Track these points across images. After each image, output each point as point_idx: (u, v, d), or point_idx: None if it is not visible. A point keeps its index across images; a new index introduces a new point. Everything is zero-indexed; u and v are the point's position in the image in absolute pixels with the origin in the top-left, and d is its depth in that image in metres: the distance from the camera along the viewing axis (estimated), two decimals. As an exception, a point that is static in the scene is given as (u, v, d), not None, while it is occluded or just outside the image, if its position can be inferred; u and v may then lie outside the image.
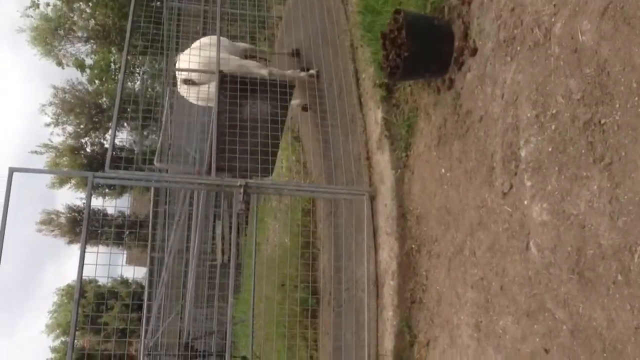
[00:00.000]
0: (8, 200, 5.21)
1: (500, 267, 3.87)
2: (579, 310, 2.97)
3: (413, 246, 5.48)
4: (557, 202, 3.23)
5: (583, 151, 3.06)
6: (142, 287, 16.19)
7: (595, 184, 2.93)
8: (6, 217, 5.08)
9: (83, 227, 5.20)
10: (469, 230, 4.39)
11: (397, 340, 5.62)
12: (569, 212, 3.12)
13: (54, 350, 21.78)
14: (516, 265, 3.65)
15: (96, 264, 5.37)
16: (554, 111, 3.34)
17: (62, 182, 22.64)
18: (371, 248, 6.28)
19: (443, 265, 4.84)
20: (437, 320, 4.90)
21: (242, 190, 6.00)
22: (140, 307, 11.01)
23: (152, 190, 9.13)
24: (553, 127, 3.33)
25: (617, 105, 2.85)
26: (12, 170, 5.28)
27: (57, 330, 22.09)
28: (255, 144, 7.00)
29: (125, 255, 19.33)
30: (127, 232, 18.57)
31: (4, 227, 4.99)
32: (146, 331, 7.88)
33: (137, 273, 20.52)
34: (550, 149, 3.34)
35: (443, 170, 4.95)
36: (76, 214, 22.52)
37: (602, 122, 2.94)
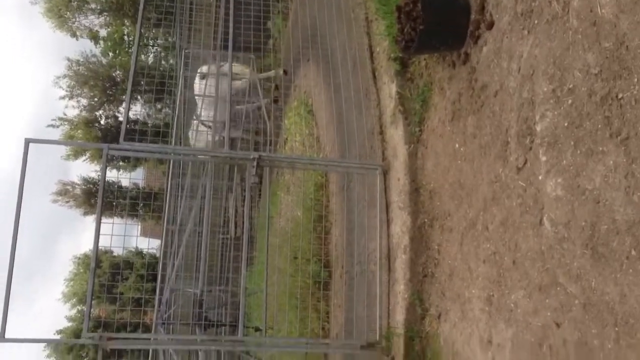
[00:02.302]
0: (25, 170, 5.28)
1: (513, 241, 3.88)
2: (591, 284, 2.98)
3: (425, 220, 5.49)
4: (572, 177, 3.22)
5: (599, 126, 3.03)
6: (157, 258, 16.39)
7: (611, 159, 2.91)
8: (23, 186, 5.15)
9: (99, 197, 5.25)
10: (482, 205, 4.39)
11: (409, 313, 5.66)
12: (584, 187, 3.11)
13: (70, 319, 22.18)
14: (529, 240, 3.65)
15: (112, 234, 5.44)
16: (571, 85, 3.31)
17: (76, 154, 22.80)
18: (383, 222, 6.30)
19: (455, 239, 4.85)
20: (448, 293, 4.93)
21: (255, 163, 6.02)
22: (154, 278, 11.15)
23: (170, 162, 9.17)
24: (570, 101, 3.30)
25: (636, 80, 2.82)
26: (28, 141, 5.34)
27: (74, 299, 22.45)
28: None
29: (139, 227, 19.52)
30: (142, 204, 18.72)
31: (21, 196, 5.06)
32: (160, 301, 7.99)
33: (151, 245, 20.70)
34: (566, 124, 3.31)
35: (457, 145, 4.93)
36: (91, 186, 22.70)
37: (620, 96, 2.91)
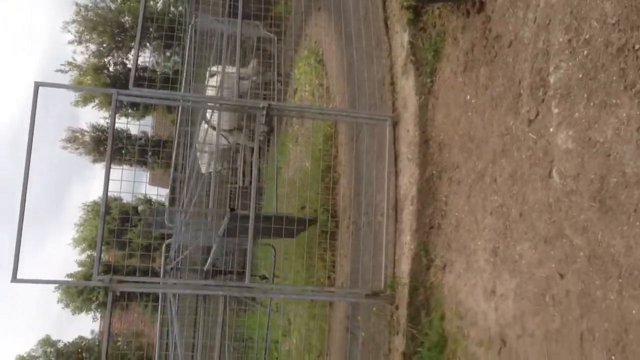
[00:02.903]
0: (34, 114, 5.29)
1: (520, 194, 3.88)
2: (597, 237, 2.99)
3: (434, 172, 5.48)
4: (584, 129, 3.19)
5: (614, 78, 2.99)
6: (165, 206, 16.53)
7: (624, 112, 2.88)
8: (33, 130, 5.16)
9: (108, 142, 5.27)
10: (492, 158, 4.38)
11: (414, 263, 5.72)
12: (595, 140, 3.08)
13: (80, 263, 22.55)
14: (537, 192, 3.65)
15: (121, 180, 5.48)
16: (587, 36, 3.25)
17: (85, 100, 22.75)
18: (392, 173, 6.30)
19: (463, 191, 4.86)
20: (454, 245, 4.97)
21: (264, 111, 6.00)
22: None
23: (179, 110, 9.16)
24: (585, 52, 3.24)
25: (654, 31, 2.76)
26: (37, 85, 5.33)
27: (84, 244, 22.80)
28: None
29: (148, 175, 19.63)
30: (150, 153, 18.78)
31: (31, 140, 5.08)
32: (168, 246, 8.10)
33: (160, 194, 20.88)
34: (580, 75, 3.26)
35: (468, 97, 4.88)
36: (100, 133, 22.74)
37: (637, 47, 2.86)
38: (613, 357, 2.78)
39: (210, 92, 9.17)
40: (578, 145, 3.24)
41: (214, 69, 9.67)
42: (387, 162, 6.28)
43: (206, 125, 9.74)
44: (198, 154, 9.87)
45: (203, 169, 9.99)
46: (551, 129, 3.53)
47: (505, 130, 4.17)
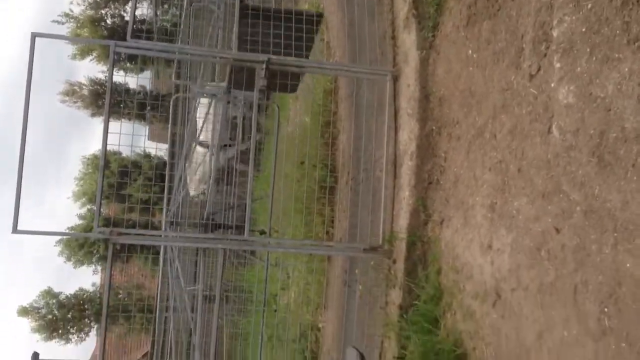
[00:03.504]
0: (32, 65, 5.24)
1: (520, 150, 3.88)
2: (594, 192, 3.00)
3: (434, 128, 5.47)
4: (585, 84, 3.18)
5: (618, 32, 2.95)
6: (164, 162, 16.55)
7: (626, 66, 2.86)
8: (30, 82, 5.12)
9: (107, 92, 5.24)
10: (492, 113, 4.36)
11: (412, 218, 5.77)
12: (596, 95, 3.07)
13: (81, 217, 22.67)
14: (536, 148, 3.65)
15: (120, 133, 5.47)
16: (592, -11, 3.20)
17: (83, 53, 22.48)
18: (391, 129, 6.29)
19: (462, 147, 4.86)
20: (452, 200, 5.00)
21: (264, 66, 5.94)
22: (162, 179, 11.31)
23: (176, 63, 9.06)
24: (589, 5, 3.20)
25: (660, -17, 2.72)
26: (34, 35, 5.26)
27: (84, 198, 22.86)
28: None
29: (147, 130, 19.55)
30: (149, 108, 18.68)
31: (29, 91, 5.05)
32: (168, 200, 8.14)
33: (159, 150, 20.81)
34: (583, 29, 3.23)
35: (470, 52, 4.83)
36: (98, 87, 22.52)
37: (642, 1, 2.82)
38: (606, 309, 2.84)
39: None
40: (579, 100, 3.23)
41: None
42: (387, 118, 6.26)
43: (196, 145, 9.73)
44: (188, 178, 9.89)
45: (192, 191, 10.03)
46: (552, 84, 3.51)
47: (506, 86, 4.14)
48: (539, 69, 3.69)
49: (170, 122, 9.15)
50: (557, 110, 3.44)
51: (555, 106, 3.47)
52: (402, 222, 6.02)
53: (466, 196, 4.71)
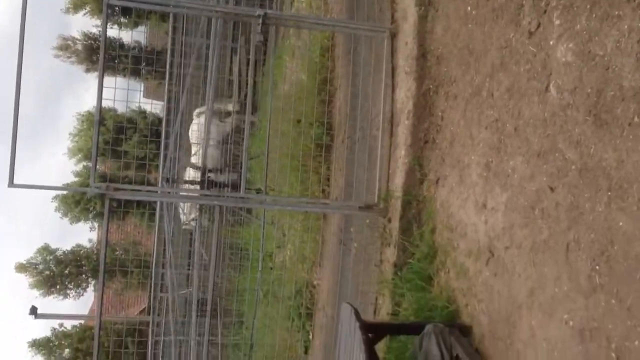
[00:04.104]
0: (24, 19, 5.15)
1: (516, 108, 3.87)
2: (590, 151, 3.01)
3: (431, 86, 5.44)
4: (584, 42, 3.15)
5: (619, -12, 2.91)
6: (160, 119, 16.47)
7: (626, 24, 2.83)
8: (23, 35, 5.05)
9: (101, 46, 5.17)
10: (490, 72, 4.33)
11: (408, 177, 5.79)
12: (595, 53, 3.05)
13: (76, 174, 22.65)
14: (533, 106, 3.64)
15: (115, 87, 5.41)
16: (594, -56, 3.14)
17: (76, 7, 22.13)
18: (388, 87, 6.25)
19: (459, 106, 4.84)
20: (448, 159, 5.00)
21: (260, 20, 5.86)
22: (158, 136, 11.28)
23: (171, 18, 8.92)
24: (591, -39, 3.14)
25: (664, -62, 2.67)
26: (26, -13, 5.16)
27: (79, 155, 22.82)
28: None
29: (142, 87, 19.38)
30: (144, 64, 18.46)
31: (22, 45, 4.98)
32: (165, 157, 8.14)
33: (154, 107, 20.64)
34: (584, -14, 3.18)
35: (469, 8, 4.77)
36: (92, 42, 22.22)
37: (645, -44, 2.77)
38: (597, 267, 2.87)
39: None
40: (577, 58, 3.21)
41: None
42: (384, 76, 6.22)
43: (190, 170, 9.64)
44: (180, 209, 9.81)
45: (183, 217, 9.97)
46: (551, 42, 3.48)
47: (504, 43, 4.10)
48: (538, 26, 3.65)
49: (166, 78, 9.06)
50: (556, 68, 3.42)
51: (553, 64, 3.44)
52: (398, 180, 6.04)
53: (462, 155, 4.71)
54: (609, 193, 2.83)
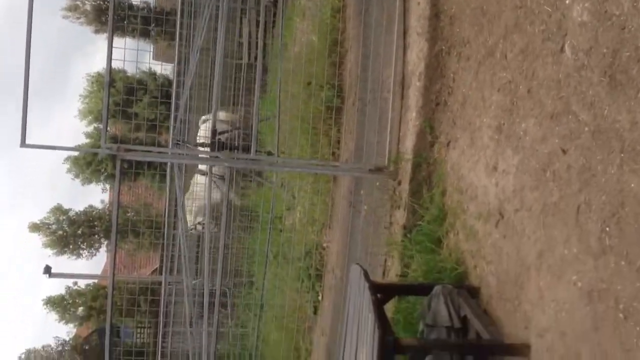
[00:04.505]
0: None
1: (530, 70, 3.82)
2: (603, 112, 2.98)
3: (443, 48, 5.38)
4: (600, 1, 3.09)
5: (639, -55, 2.84)
6: (170, 80, 16.41)
7: (645, -18, 2.77)
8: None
9: (110, 4, 5.13)
10: (503, 32, 4.27)
11: (418, 140, 5.77)
12: (611, 13, 2.99)
13: (87, 135, 22.75)
14: (547, 67, 3.60)
15: (124, 48, 5.39)
16: None
17: (84, -33, 21.92)
18: (400, 48, 6.19)
19: (472, 67, 4.79)
20: (459, 122, 4.97)
21: (271, -20, 5.78)
22: (168, 97, 11.26)
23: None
24: None
25: None
26: (35, -55, 5.10)
27: (90, 117, 22.86)
28: None
29: (152, 49, 19.25)
30: (153, 25, 18.31)
31: (32, 5, 4.95)
32: (175, 118, 8.14)
33: (164, 69, 20.51)
34: (603, -57, 3.10)
35: (484, -33, 4.67)
36: (101, 2, 22.04)
37: None
38: (607, 229, 2.88)
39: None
40: (593, 18, 3.15)
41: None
42: (396, 37, 6.15)
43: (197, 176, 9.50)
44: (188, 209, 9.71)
45: (190, 222, 9.86)
46: (567, 1, 3.42)
47: (519, 3, 4.03)
48: (554, -14, 3.58)
49: (176, 39, 8.98)
50: (571, 28, 3.36)
51: (569, 24, 3.39)
52: (408, 143, 6.02)
53: (473, 117, 4.68)
54: (622, 155, 2.81)
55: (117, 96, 15.95)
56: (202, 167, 9.25)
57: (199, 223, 10.08)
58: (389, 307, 5.13)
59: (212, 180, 7.97)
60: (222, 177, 8.74)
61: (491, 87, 4.41)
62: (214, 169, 8.35)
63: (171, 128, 7.92)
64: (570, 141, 3.25)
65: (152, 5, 19.98)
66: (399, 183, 6.17)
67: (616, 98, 2.89)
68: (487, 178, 4.34)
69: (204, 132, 9.00)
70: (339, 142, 8.68)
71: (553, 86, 3.51)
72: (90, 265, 24.06)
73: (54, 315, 21.49)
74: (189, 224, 9.87)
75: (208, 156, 6.71)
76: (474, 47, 4.77)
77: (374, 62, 6.92)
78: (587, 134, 3.10)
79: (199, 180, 9.34)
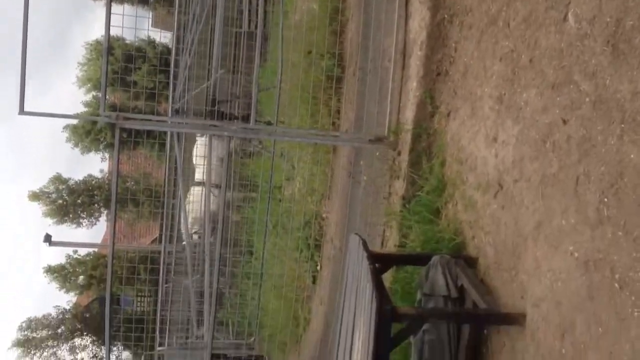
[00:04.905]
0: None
1: (533, 39, 3.78)
2: (605, 82, 2.95)
3: (445, 16, 5.31)
4: (606, -31, 3.04)
5: None
6: (169, 49, 16.25)
7: (651, -51, 2.72)
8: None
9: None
10: (506, 0, 4.21)
11: (419, 110, 5.74)
12: (616, -19, 2.94)
13: (86, 104, 22.60)
14: (550, 37, 3.56)
15: (123, 14, 5.32)
16: None
17: None
18: (401, 17, 6.12)
19: (474, 37, 4.74)
20: (460, 92, 4.94)
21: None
22: (167, 65, 11.17)
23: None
24: None
25: None
26: None
27: (88, 84, 22.71)
28: None
29: (151, 16, 19.04)
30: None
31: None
32: (174, 86, 8.07)
33: (163, 37, 20.27)
34: None
35: None
36: (98, -31, 21.76)
37: None
38: (606, 199, 2.87)
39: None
40: (598, -14, 3.10)
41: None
42: (398, 5, 6.07)
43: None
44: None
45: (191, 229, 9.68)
46: (572, -31, 3.36)
47: (523, -29, 3.97)
48: (559, -47, 3.52)
49: (175, 5, 8.86)
50: (575, -3, 3.31)
51: (572, -8, 3.34)
52: (409, 113, 5.99)
53: (474, 87, 4.65)
54: (622, 125, 2.79)
55: (116, 64, 15.82)
56: (198, 176, 9.14)
57: (194, 232, 9.97)
58: (387, 277, 5.17)
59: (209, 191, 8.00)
60: (218, 186, 8.59)
61: (493, 57, 4.37)
62: (212, 178, 8.30)
63: (170, 97, 7.87)
64: (571, 111, 3.23)
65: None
66: (399, 153, 6.15)
67: (618, 68, 2.86)
68: (487, 149, 4.32)
69: (201, 147, 8.90)
70: (339, 112, 8.64)
71: (555, 56, 3.47)
72: (91, 234, 24.17)
73: (54, 284, 21.67)
74: (184, 234, 9.85)
75: (208, 125, 6.67)
76: (477, 15, 4.72)
77: (375, 30, 6.84)
78: (588, 104, 3.08)
79: (195, 191, 9.17)
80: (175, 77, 8.20)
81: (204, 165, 8.52)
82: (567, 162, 3.23)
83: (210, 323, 6.57)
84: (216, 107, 9.11)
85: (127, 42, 18.18)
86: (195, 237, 10.19)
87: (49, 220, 21.88)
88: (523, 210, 3.68)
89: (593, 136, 3.01)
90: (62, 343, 21.82)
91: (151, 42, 19.96)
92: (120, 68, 15.78)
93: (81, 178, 22.58)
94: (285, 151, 10.91)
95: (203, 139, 8.99)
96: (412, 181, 5.63)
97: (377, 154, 6.66)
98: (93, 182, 22.44)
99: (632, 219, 2.67)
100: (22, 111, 5.08)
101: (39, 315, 22.23)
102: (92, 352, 22.06)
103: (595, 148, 2.99)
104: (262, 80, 10.77)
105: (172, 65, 8.57)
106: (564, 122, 3.29)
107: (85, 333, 21.93)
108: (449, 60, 5.19)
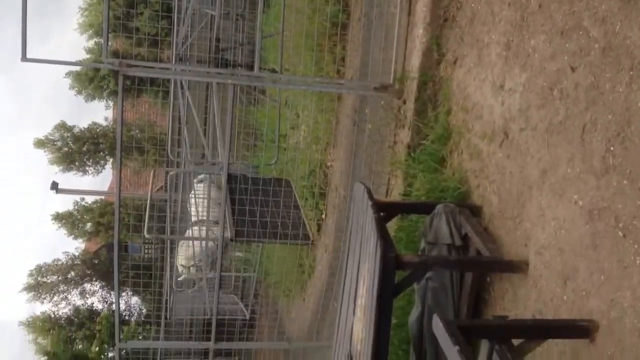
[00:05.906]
0: None
1: (542, -17, 3.69)
2: (615, 28, 2.90)
3: (453, -40, 5.18)
4: None
5: None
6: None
7: None
8: None
9: None
10: (517, -57, 4.09)
11: (425, 57, 5.66)
12: None
13: (89, 51, 22.33)
14: (560, -19, 3.47)
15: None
16: None
17: None
18: (408, -39, 5.96)
19: (482, -19, 4.63)
20: (467, 39, 4.86)
21: None
22: (170, 10, 10.98)
23: None
24: None
25: None
26: None
27: (90, 31, 22.37)
28: None
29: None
30: None
31: None
32: (177, 31, 7.96)
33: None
34: None
35: None
36: None
37: None
38: (612, 148, 2.86)
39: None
40: None
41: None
42: (405, -52, 5.91)
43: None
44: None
45: (181, 268, 9.28)
46: None
47: None
48: None
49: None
50: (588, -61, 3.21)
51: None
52: (415, 61, 5.91)
53: (482, 34, 4.57)
54: (631, 72, 2.75)
55: (118, 10, 15.53)
56: (194, 218, 8.94)
57: (192, 265, 9.59)
58: (392, 226, 5.21)
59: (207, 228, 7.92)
60: (216, 223, 8.28)
61: (501, 2, 4.28)
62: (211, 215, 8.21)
63: (173, 43, 7.76)
64: (580, 58, 3.19)
65: None
66: (404, 102, 6.10)
67: (628, 13, 2.80)
68: (493, 97, 4.28)
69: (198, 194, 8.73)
70: (343, 59, 8.53)
71: (565, 0, 3.40)
72: (97, 181, 24.34)
73: (63, 231, 21.93)
74: (179, 269, 9.51)
75: (212, 73, 6.61)
76: (485, -41, 4.59)
77: (381, -25, 6.69)
78: (597, 50, 3.03)
79: (194, 230, 8.92)
80: (178, 23, 8.06)
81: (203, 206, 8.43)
82: (574, 111, 3.20)
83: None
84: (220, 55, 8.99)
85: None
86: (192, 270, 9.85)
87: (55, 168, 21.98)
88: (528, 159, 3.67)
89: (601, 84, 2.97)
90: (73, 288, 22.24)
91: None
92: (122, 13, 15.50)
93: (86, 126, 22.56)
94: (290, 99, 10.84)
95: (200, 185, 8.93)
96: (418, 130, 5.61)
97: (382, 102, 6.61)
98: (97, 130, 22.40)
99: (638, 168, 2.67)
100: (24, 58, 5.03)
101: (49, 261, 22.60)
102: (102, 297, 22.50)
103: (603, 96, 2.96)
104: (266, 26, 10.61)
105: (174, 10, 8.41)
106: (572, 69, 3.25)
107: (94, 279, 22.32)
108: (456, 5, 5.08)
